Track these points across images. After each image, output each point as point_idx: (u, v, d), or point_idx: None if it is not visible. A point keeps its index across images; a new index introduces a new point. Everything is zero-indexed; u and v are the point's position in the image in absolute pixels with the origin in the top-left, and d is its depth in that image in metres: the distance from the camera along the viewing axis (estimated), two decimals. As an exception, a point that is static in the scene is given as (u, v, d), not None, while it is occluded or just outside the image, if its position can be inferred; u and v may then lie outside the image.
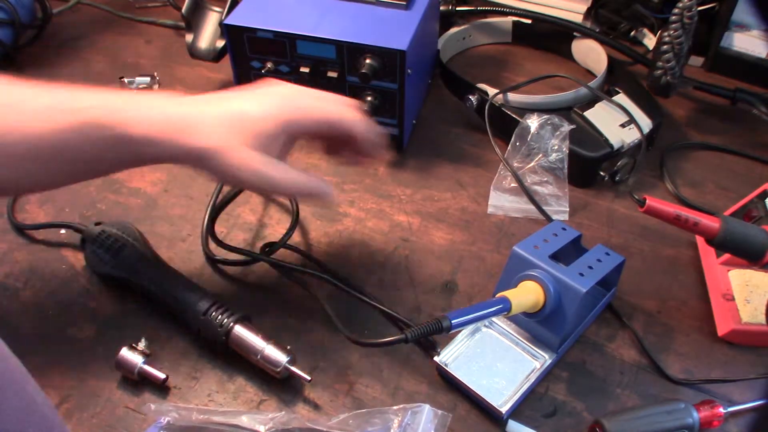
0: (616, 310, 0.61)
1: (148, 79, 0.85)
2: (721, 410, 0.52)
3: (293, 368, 0.54)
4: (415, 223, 0.70)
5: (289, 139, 0.53)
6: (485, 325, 0.59)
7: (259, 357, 0.54)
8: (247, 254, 0.64)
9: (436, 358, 0.56)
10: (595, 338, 0.60)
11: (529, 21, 0.92)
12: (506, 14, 0.92)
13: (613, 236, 0.69)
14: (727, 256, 0.62)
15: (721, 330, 0.59)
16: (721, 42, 0.89)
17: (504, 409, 0.52)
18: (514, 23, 0.95)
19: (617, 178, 0.73)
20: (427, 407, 0.51)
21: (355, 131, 0.54)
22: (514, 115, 0.74)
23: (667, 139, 0.80)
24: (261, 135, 0.49)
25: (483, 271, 0.65)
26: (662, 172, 0.76)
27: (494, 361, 0.56)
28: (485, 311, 0.50)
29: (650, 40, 0.91)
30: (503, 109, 0.76)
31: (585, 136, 0.72)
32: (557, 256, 0.56)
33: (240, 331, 0.55)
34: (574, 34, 0.90)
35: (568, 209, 0.70)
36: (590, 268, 0.54)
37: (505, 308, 0.51)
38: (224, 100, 0.51)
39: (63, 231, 0.67)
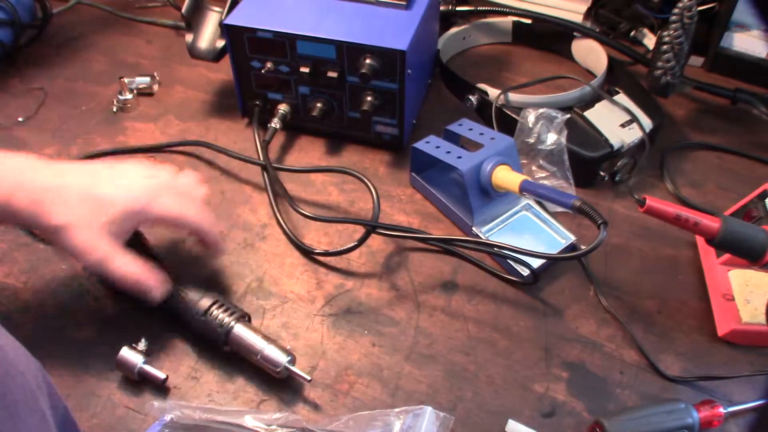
0: (615, 310, 0.61)
1: (148, 79, 0.85)
2: (721, 410, 0.52)
3: (293, 368, 0.54)
4: (415, 223, 0.70)
5: (138, 224, 0.57)
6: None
7: (259, 357, 0.54)
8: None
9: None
10: (595, 338, 0.60)
11: (529, 21, 0.92)
12: (506, 14, 0.92)
13: (613, 236, 0.69)
14: (727, 256, 0.62)
15: (721, 330, 0.59)
16: (721, 42, 0.89)
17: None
18: (514, 23, 0.95)
19: (617, 178, 0.73)
20: (429, 409, 0.51)
21: (198, 233, 0.59)
22: (514, 116, 0.74)
23: (667, 139, 0.80)
24: (114, 222, 0.53)
25: (483, 271, 0.65)
26: (662, 172, 0.76)
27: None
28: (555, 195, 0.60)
29: (650, 40, 0.91)
30: (504, 109, 0.76)
31: (585, 136, 0.73)
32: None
33: (240, 330, 0.55)
34: (574, 34, 0.90)
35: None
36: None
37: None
38: (90, 176, 0.54)
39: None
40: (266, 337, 0.55)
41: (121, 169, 0.56)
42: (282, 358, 0.54)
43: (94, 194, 0.52)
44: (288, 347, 0.55)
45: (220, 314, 0.56)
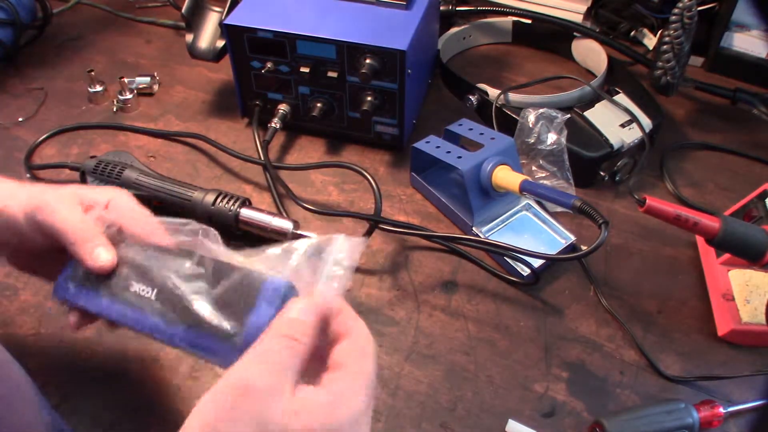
0: (615, 310, 0.61)
1: (148, 79, 0.85)
2: (721, 410, 0.52)
3: (299, 231, 0.63)
4: (415, 223, 0.70)
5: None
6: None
7: (268, 229, 0.63)
8: None
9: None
10: (595, 338, 0.60)
11: (529, 21, 0.92)
12: (506, 14, 0.92)
13: (613, 236, 0.69)
14: (727, 256, 0.62)
15: (721, 330, 0.59)
16: (721, 42, 0.89)
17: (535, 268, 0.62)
18: (514, 23, 0.95)
19: (617, 178, 0.73)
20: (341, 237, 0.43)
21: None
22: (514, 116, 0.74)
23: (667, 139, 0.80)
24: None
25: (483, 271, 0.65)
26: (662, 172, 0.76)
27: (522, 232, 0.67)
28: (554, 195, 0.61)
29: (650, 40, 0.91)
30: (504, 109, 0.76)
31: (585, 136, 0.73)
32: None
33: (247, 212, 0.64)
34: (574, 34, 0.90)
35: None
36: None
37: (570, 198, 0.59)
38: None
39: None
40: (270, 213, 0.63)
41: None
42: (288, 226, 0.63)
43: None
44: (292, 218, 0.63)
45: (225, 202, 0.64)
